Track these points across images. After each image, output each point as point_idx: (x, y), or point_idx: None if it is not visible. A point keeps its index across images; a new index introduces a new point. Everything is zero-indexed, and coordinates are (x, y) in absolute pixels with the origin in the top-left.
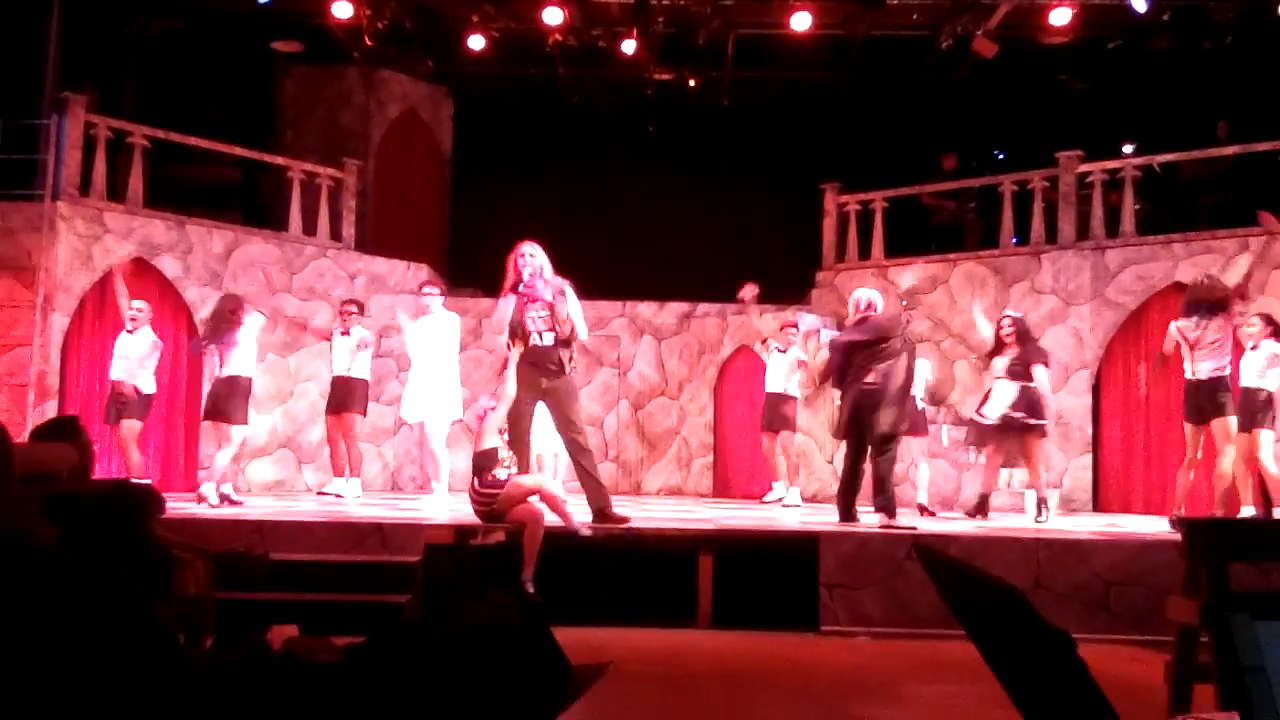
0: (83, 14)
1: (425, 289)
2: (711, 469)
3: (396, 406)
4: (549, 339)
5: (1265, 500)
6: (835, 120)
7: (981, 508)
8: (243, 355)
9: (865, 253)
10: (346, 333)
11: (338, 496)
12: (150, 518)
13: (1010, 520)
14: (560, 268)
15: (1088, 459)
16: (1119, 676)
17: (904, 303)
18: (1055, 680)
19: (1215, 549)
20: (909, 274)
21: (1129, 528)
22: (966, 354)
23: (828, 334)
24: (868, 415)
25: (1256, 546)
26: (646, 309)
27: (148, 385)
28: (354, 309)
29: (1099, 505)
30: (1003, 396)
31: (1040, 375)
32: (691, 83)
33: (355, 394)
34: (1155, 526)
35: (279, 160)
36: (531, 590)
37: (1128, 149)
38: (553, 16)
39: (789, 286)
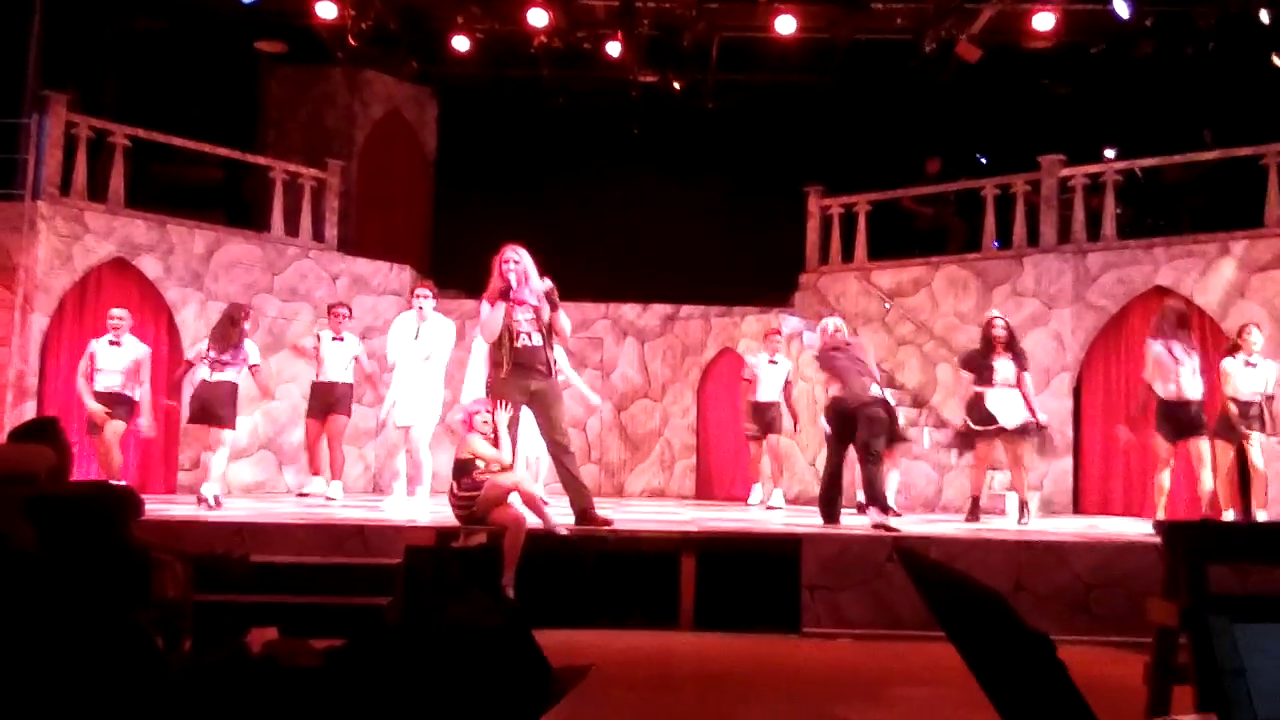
0: (64, 12)
1: (418, 291)
2: (694, 471)
3: (378, 409)
4: (537, 339)
5: (1245, 503)
6: (819, 123)
7: (974, 511)
8: (237, 362)
9: (848, 255)
10: (340, 338)
11: (328, 499)
12: (129, 520)
13: (992, 522)
14: (544, 269)
15: (1068, 462)
16: (1099, 678)
17: (886, 304)
18: (1035, 682)
19: (1194, 551)
20: (891, 276)
21: (1109, 530)
22: (949, 357)
23: (810, 337)
24: (863, 425)
25: (1235, 548)
26: (630, 311)
27: (134, 393)
28: (344, 312)
29: (1079, 508)
30: (1012, 404)
31: (1027, 379)
32: (676, 85)
33: (341, 399)
34: (1135, 528)
35: (262, 160)
36: (511, 595)
37: (1109, 153)
38: (538, 18)
39: (772, 289)
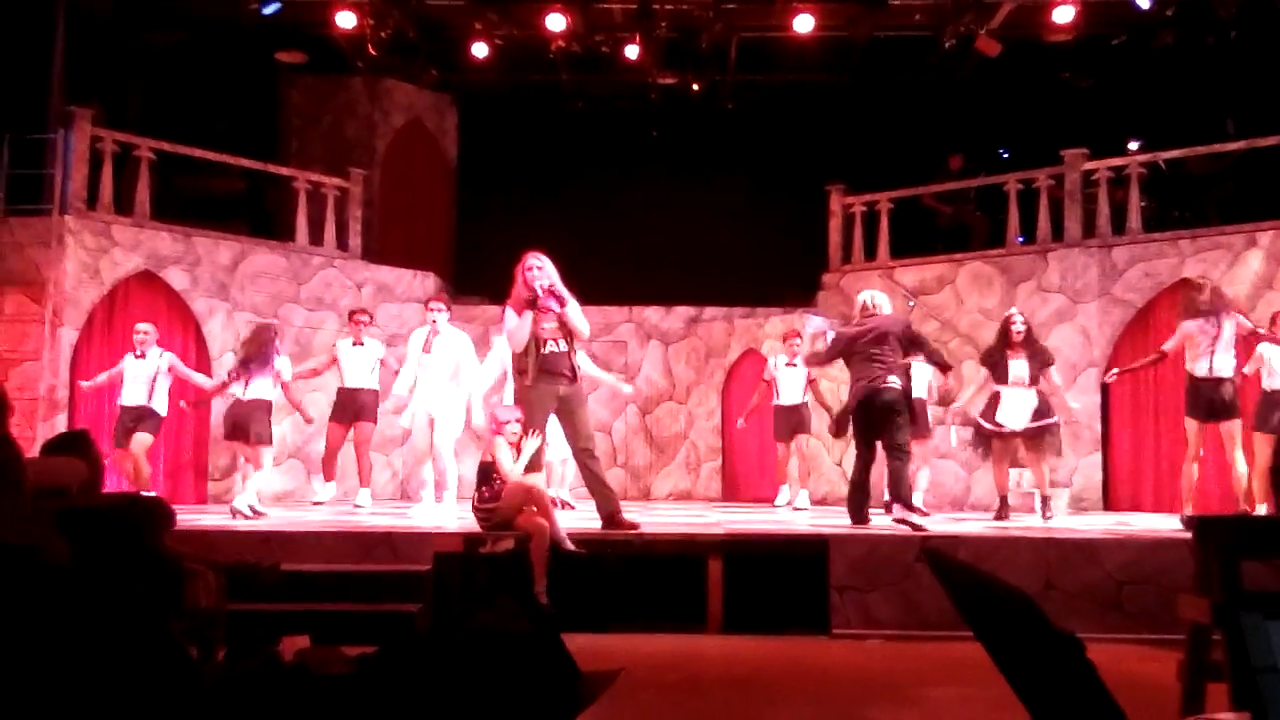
0: (88, 28)
1: (431, 305)
2: (720, 473)
3: (407, 415)
4: (563, 345)
5: (1279, 497)
6: (839, 122)
7: (1003, 510)
8: (266, 380)
9: (871, 254)
10: (360, 343)
11: (356, 506)
12: (161, 531)
13: (1021, 520)
14: (566, 274)
15: (1097, 458)
16: (1131, 676)
17: (910, 302)
18: (1065, 683)
19: (1226, 546)
20: (915, 274)
21: (1139, 526)
22: (974, 354)
23: (835, 336)
24: (885, 420)
25: (1268, 544)
26: (653, 314)
27: (160, 405)
28: (365, 319)
29: (1109, 504)
30: (1023, 405)
31: (1054, 375)
32: (695, 87)
33: (367, 405)
34: (1166, 524)
35: (285, 171)
36: (545, 601)
37: (1133, 146)
38: (556, 23)
39: (795, 289)
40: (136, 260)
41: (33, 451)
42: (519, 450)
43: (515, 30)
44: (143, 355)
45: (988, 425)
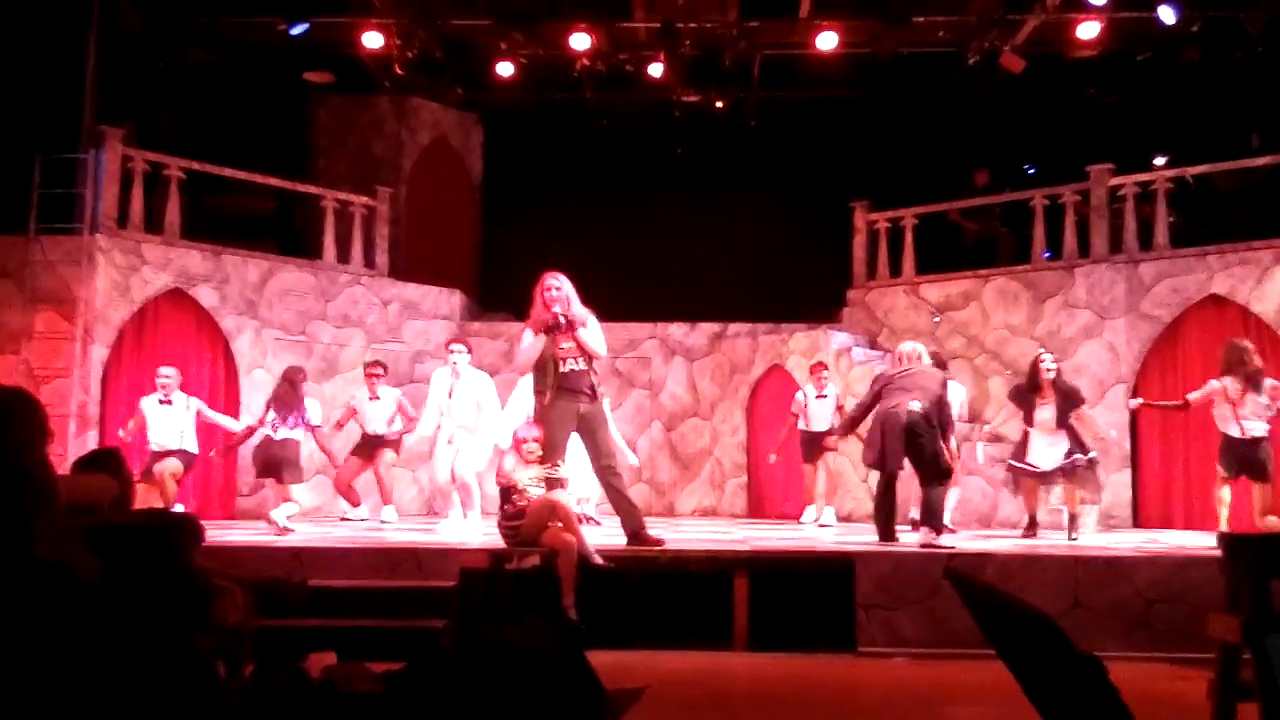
0: (118, 49)
1: (452, 348)
2: (745, 489)
3: (432, 435)
4: (581, 364)
5: None
6: (864, 138)
7: (1032, 528)
8: (314, 419)
9: (896, 270)
10: (376, 397)
11: (382, 522)
12: (190, 547)
13: (1049, 538)
14: (590, 290)
15: (1126, 475)
16: (1161, 695)
17: (935, 319)
18: (1087, 704)
19: (1257, 565)
20: (940, 290)
21: (1169, 544)
22: (1000, 370)
23: (860, 352)
24: (908, 442)
25: None
26: (677, 330)
27: (191, 446)
28: (379, 372)
29: (1139, 521)
30: (1052, 447)
31: (1090, 416)
32: (719, 104)
33: (387, 441)
34: (1196, 542)
35: (312, 189)
36: (574, 617)
37: (1159, 161)
38: (580, 42)
39: (820, 305)
40: (166, 278)
41: (63, 468)
42: (540, 463)
43: (540, 49)
44: (168, 401)
45: (1019, 465)
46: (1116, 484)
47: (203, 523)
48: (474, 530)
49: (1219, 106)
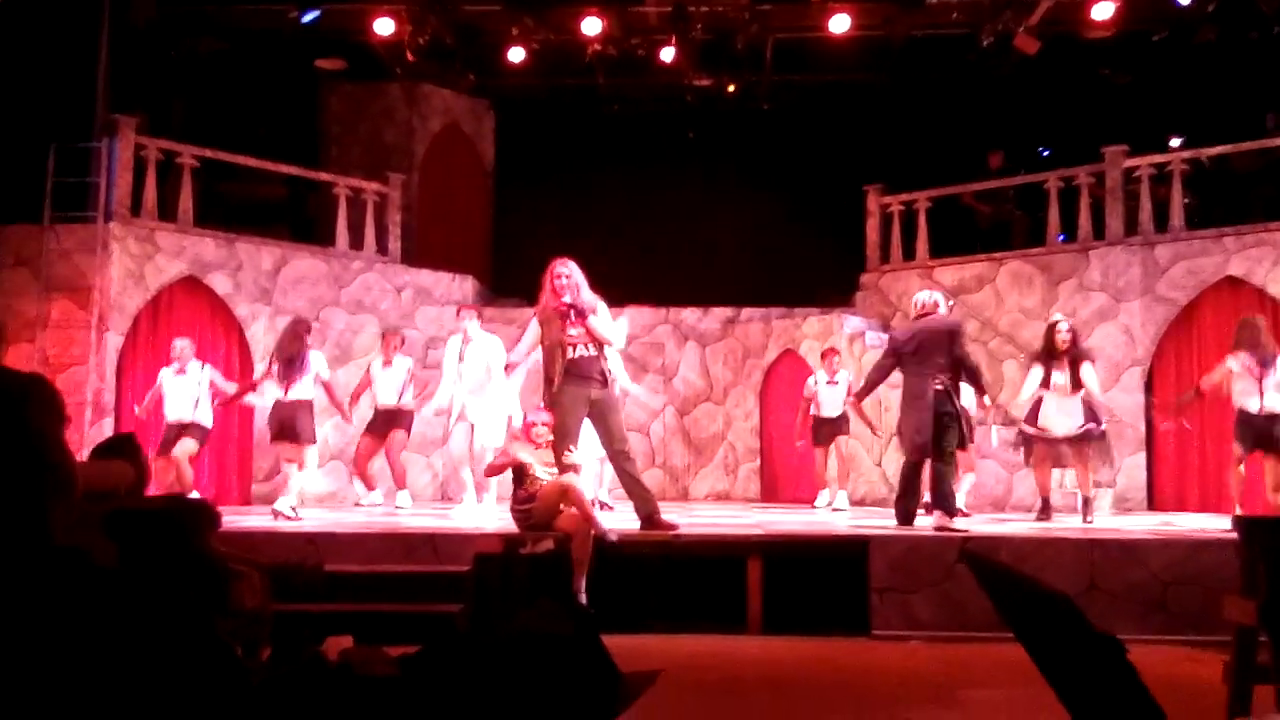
0: (131, 38)
1: (462, 314)
2: (759, 474)
3: (444, 419)
4: (591, 350)
5: None
6: (877, 121)
7: (1045, 511)
8: (307, 379)
9: (910, 254)
10: (389, 364)
11: (397, 507)
12: (206, 532)
13: (1064, 521)
14: (603, 275)
15: (1141, 457)
16: (1177, 677)
17: (949, 303)
18: (1106, 684)
19: (1272, 548)
20: (954, 274)
21: (1184, 526)
22: (1015, 353)
23: (873, 336)
24: (935, 424)
25: None
26: (690, 315)
27: (206, 419)
28: (397, 339)
29: (1154, 504)
30: (1066, 411)
31: (1089, 374)
32: (731, 88)
33: (402, 420)
34: (1211, 524)
35: (325, 176)
36: (584, 600)
37: (1175, 142)
38: (591, 27)
39: (833, 289)
40: (180, 266)
41: (80, 455)
42: (550, 447)
43: (551, 35)
44: (182, 370)
45: (1031, 430)
46: (1131, 466)
47: (219, 508)
48: (488, 515)
49: (1235, 87)
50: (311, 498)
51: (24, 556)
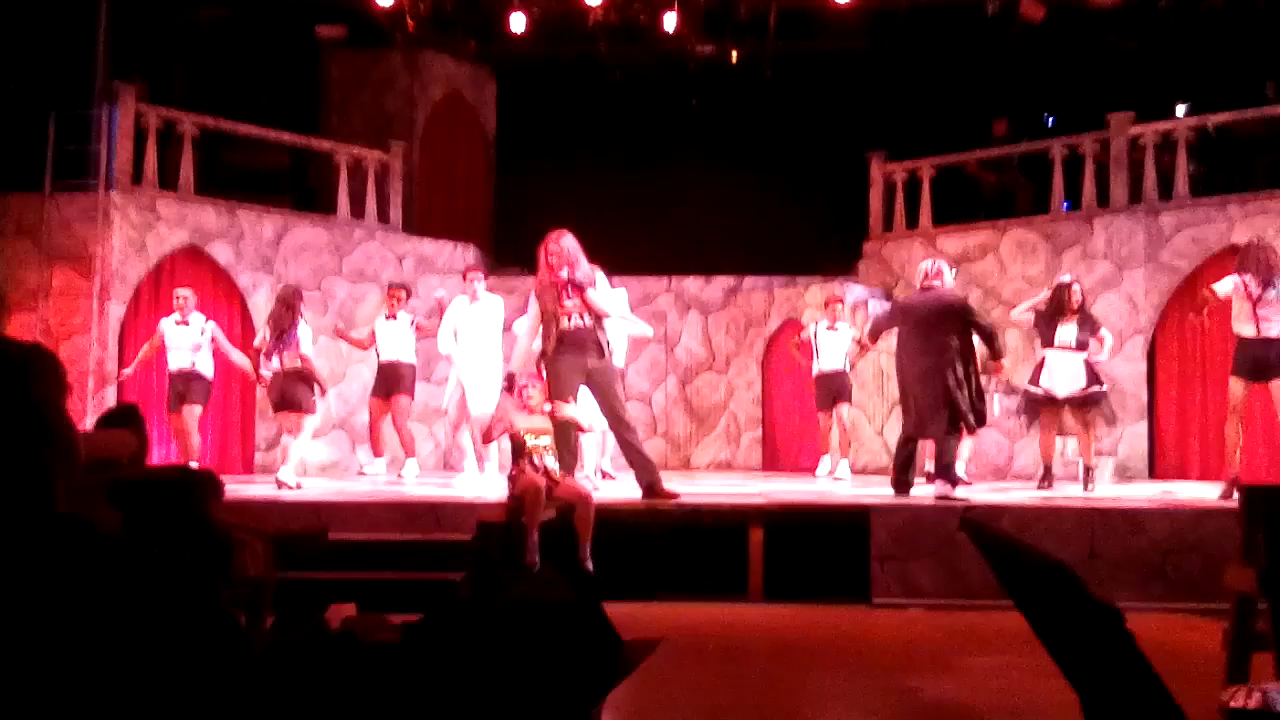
0: (131, 5)
1: (470, 274)
2: (761, 443)
3: (445, 386)
4: (587, 320)
5: None
6: (881, 89)
7: (1047, 478)
8: (303, 347)
9: (913, 222)
10: (393, 317)
11: (400, 475)
12: (210, 501)
13: (1065, 489)
14: (605, 244)
15: (1143, 426)
16: (1176, 645)
17: (951, 271)
18: (1105, 654)
19: (1272, 516)
20: (958, 241)
21: (1185, 495)
22: (1017, 323)
23: (876, 305)
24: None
25: None
26: (692, 284)
27: (206, 369)
28: (401, 294)
29: (1155, 472)
30: (1069, 370)
31: (1109, 336)
32: (734, 56)
33: (404, 378)
34: (1212, 493)
35: (326, 145)
36: (590, 568)
37: (1180, 109)
38: None
39: (835, 258)
40: (182, 235)
41: (83, 424)
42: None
43: (553, 1)
44: (185, 321)
45: (1035, 390)
46: (1133, 435)
47: (222, 477)
48: (491, 484)
49: (1241, 54)
50: (314, 466)
51: (27, 526)
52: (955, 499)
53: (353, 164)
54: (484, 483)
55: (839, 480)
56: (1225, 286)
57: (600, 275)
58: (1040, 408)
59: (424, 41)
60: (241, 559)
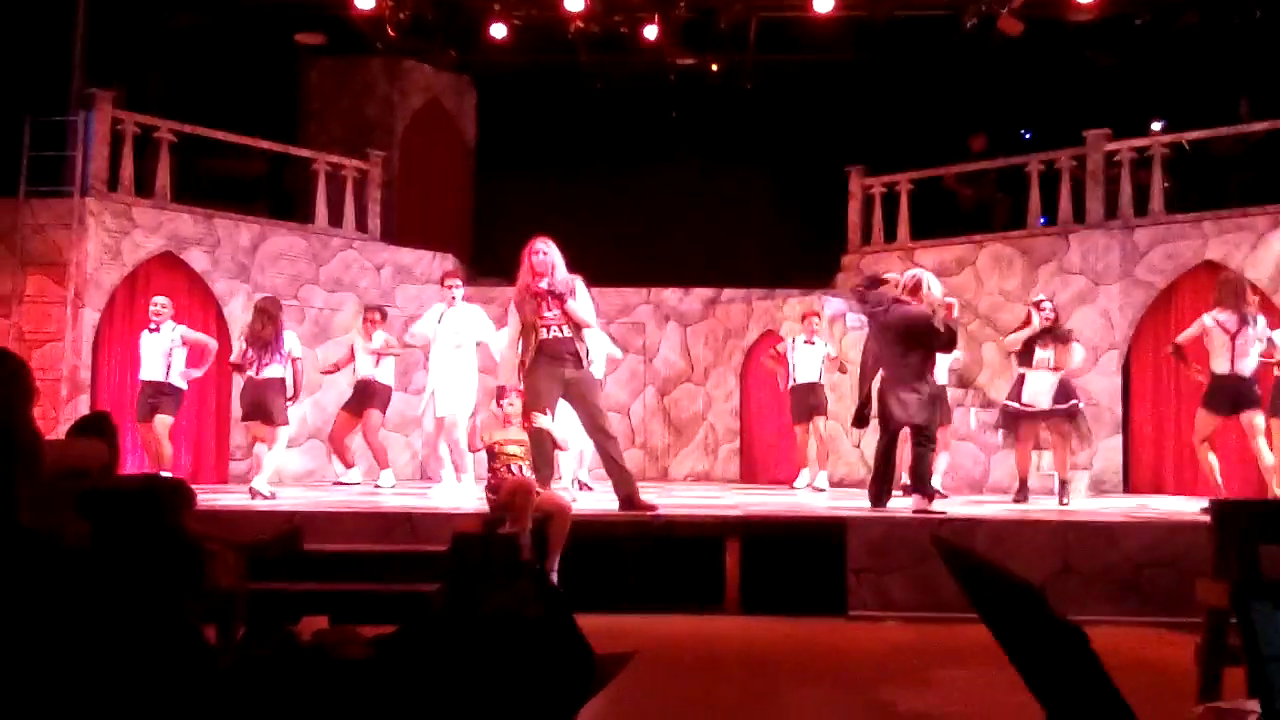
0: (108, 11)
1: (448, 281)
2: (739, 454)
3: (422, 397)
4: (566, 331)
5: None
6: (860, 103)
7: (1023, 493)
8: (280, 357)
9: (891, 235)
10: (369, 339)
11: (377, 486)
12: (181, 511)
13: (1040, 503)
14: (584, 255)
15: (1118, 440)
16: (1150, 659)
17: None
18: (1069, 673)
19: (1244, 531)
20: (935, 256)
21: (1159, 509)
22: (994, 336)
23: (854, 318)
24: (908, 408)
25: None
26: (671, 295)
27: (178, 380)
28: (377, 316)
29: (1130, 486)
30: (1047, 386)
31: (1079, 350)
32: (714, 67)
33: (377, 395)
34: (1186, 507)
35: (304, 153)
36: (555, 580)
37: (1156, 126)
38: (574, 3)
39: (814, 270)
40: (158, 242)
41: (56, 433)
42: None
43: (533, 10)
44: (157, 329)
45: (1015, 405)
46: (1108, 449)
47: (195, 487)
48: (468, 494)
49: (1217, 71)
50: (289, 476)
51: None
52: (932, 512)
53: (331, 172)
54: (460, 493)
55: (817, 491)
56: (1192, 331)
57: (580, 284)
58: (1018, 422)
59: (404, 50)
60: (213, 570)
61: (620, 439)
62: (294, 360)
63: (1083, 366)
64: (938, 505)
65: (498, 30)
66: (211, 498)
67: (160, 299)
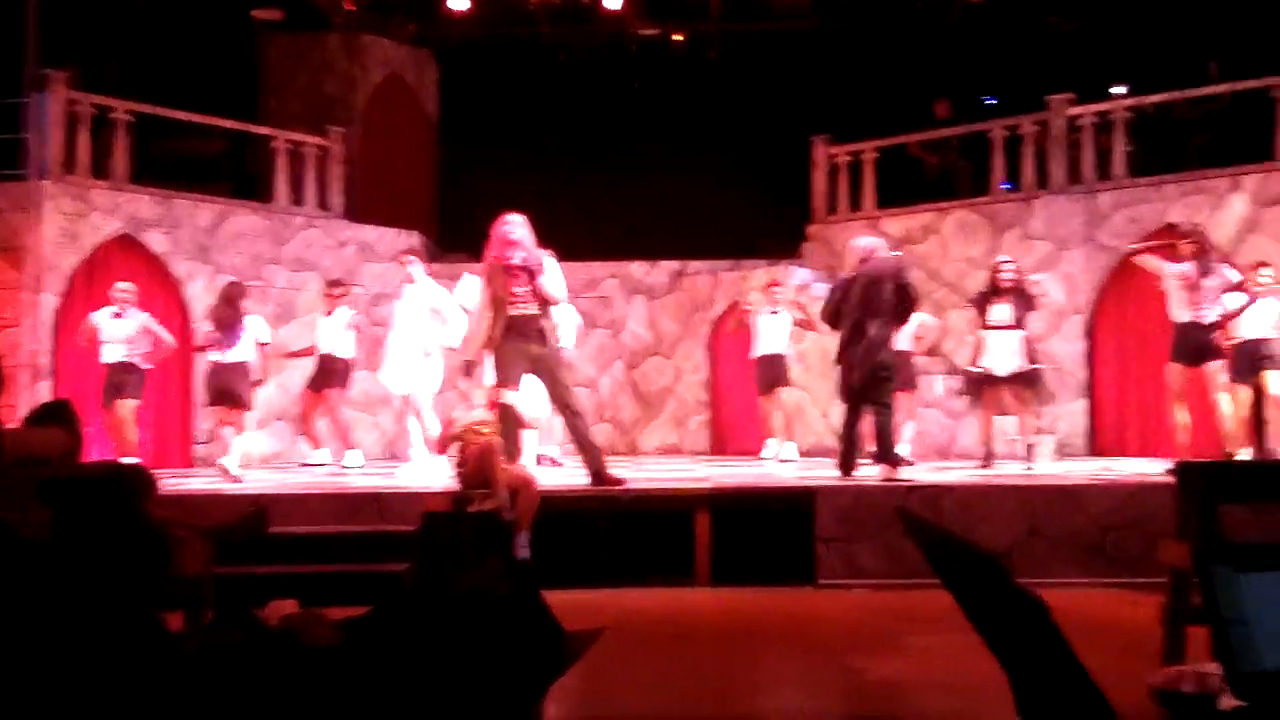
0: None
1: (404, 257)
2: (708, 426)
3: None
4: (532, 308)
5: (1260, 441)
6: (824, 71)
7: (989, 459)
8: (245, 341)
9: (856, 204)
10: (329, 313)
11: (344, 467)
12: (143, 498)
13: (1006, 468)
14: (550, 228)
15: (1082, 403)
16: (1114, 620)
17: (895, 253)
18: (1031, 642)
19: (1207, 491)
20: (901, 224)
21: (1124, 471)
22: (960, 303)
23: (820, 288)
24: (875, 381)
25: (1248, 488)
26: (638, 269)
27: (142, 363)
28: (337, 291)
29: (1094, 449)
30: (1006, 348)
31: (1033, 320)
32: (678, 37)
33: (337, 372)
34: (1151, 469)
35: (264, 130)
36: (526, 554)
37: (1118, 90)
38: None
39: (780, 241)
40: (116, 224)
41: (16, 418)
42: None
43: None
44: (121, 315)
45: (974, 370)
46: (1072, 412)
47: (159, 471)
48: (436, 473)
49: (1180, 35)
50: (256, 458)
51: None
52: (899, 479)
53: (291, 149)
54: (429, 471)
55: (785, 462)
56: (1171, 268)
57: (550, 260)
58: (980, 387)
59: (362, 24)
60: (179, 556)
61: (588, 414)
62: (260, 345)
63: (1047, 330)
64: (904, 473)
65: (458, 2)
66: (177, 482)
67: (124, 285)
